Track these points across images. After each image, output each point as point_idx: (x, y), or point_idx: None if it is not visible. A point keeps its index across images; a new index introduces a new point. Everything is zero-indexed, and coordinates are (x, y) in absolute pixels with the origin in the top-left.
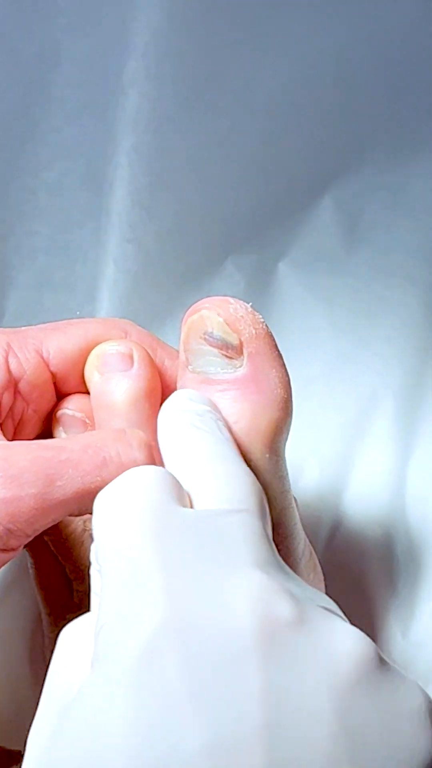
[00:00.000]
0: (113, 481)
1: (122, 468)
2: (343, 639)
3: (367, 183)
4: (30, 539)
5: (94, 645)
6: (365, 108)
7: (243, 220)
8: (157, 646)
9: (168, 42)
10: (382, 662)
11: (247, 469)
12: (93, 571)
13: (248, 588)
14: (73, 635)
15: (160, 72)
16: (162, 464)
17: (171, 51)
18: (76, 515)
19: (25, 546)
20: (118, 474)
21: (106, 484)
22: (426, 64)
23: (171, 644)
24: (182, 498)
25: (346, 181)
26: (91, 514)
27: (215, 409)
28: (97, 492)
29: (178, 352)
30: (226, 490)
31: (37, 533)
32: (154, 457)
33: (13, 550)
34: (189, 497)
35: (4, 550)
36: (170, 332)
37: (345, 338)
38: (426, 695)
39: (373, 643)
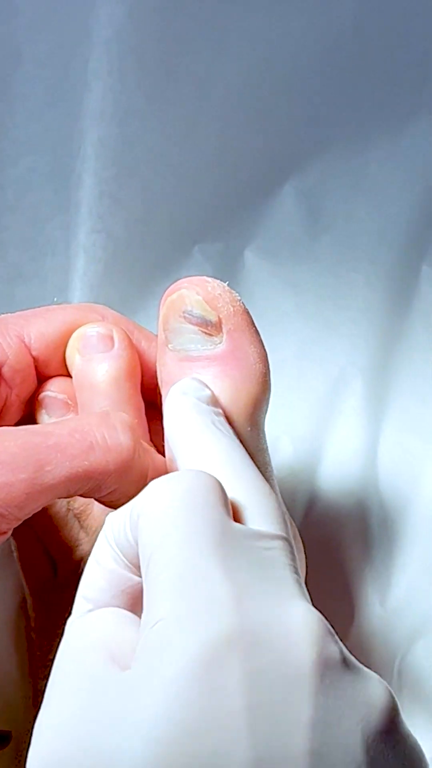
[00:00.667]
0: (170, 479)
1: (108, 452)
2: (376, 690)
3: (327, 171)
4: (20, 522)
5: (141, 639)
6: (323, 98)
7: (209, 209)
8: (222, 654)
9: (129, 37)
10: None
11: (264, 480)
12: (142, 567)
13: (309, 623)
14: (94, 625)
15: (123, 66)
16: (148, 442)
17: (133, 45)
18: (65, 498)
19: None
20: (105, 457)
21: (94, 467)
22: (383, 52)
23: (236, 656)
24: (229, 509)
25: (308, 170)
26: (78, 496)
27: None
28: (84, 475)
29: (153, 334)
30: (259, 510)
31: (29, 516)
32: (138, 439)
33: (3, 533)
34: None
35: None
36: (142, 319)
37: (312, 321)
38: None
39: (393, 695)
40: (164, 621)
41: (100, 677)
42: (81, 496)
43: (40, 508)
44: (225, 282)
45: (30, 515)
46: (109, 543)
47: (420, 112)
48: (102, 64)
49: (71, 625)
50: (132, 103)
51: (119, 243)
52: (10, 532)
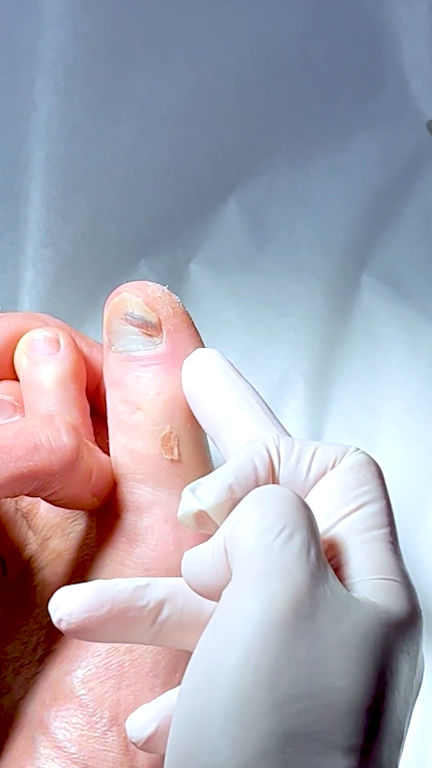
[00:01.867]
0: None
1: (53, 452)
2: None
3: (269, 185)
4: None
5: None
6: (265, 114)
7: (154, 223)
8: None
9: (74, 58)
10: None
11: None
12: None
13: None
14: None
15: (68, 86)
16: (93, 442)
17: (77, 66)
18: (11, 497)
19: None
20: (49, 458)
21: (39, 467)
22: (324, 68)
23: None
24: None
25: (250, 184)
26: (25, 495)
27: None
28: (29, 475)
29: (94, 341)
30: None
31: None
32: (82, 439)
33: None
34: None
35: None
36: (89, 330)
37: (255, 329)
38: None
39: None
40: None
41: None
42: (27, 495)
43: None
44: (165, 286)
45: None
46: None
47: (360, 127)
48: (48, 84)
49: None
50: (78, 122)
51: (67, 257)
52: None
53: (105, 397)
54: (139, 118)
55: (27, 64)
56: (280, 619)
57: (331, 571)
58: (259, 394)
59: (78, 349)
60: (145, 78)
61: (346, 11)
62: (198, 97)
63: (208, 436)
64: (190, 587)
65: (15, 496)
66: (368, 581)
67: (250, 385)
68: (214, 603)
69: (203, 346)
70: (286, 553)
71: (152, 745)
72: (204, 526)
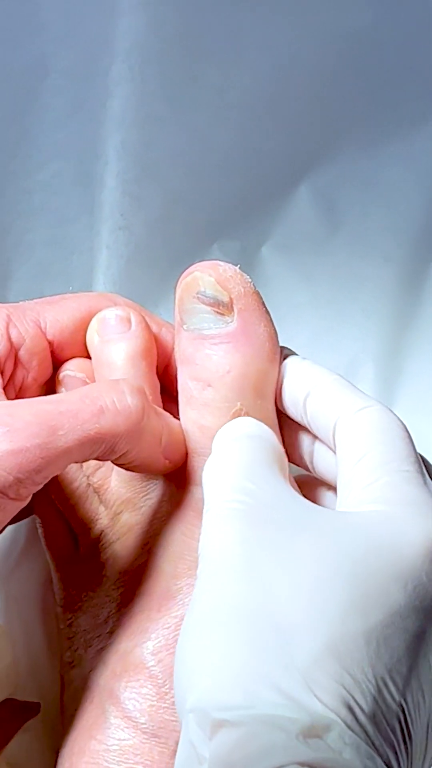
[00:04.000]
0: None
1: (118, 414)
2: None
3: (341, 171)
4: (39, 488)
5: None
6: (338, 100)
7: (227, 208)
8: None
9: (149, 44)
10: None
11: None
12: None
13: None
14: None
15: (144, 73)
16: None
17: (153, 53)
18: (79, 462)
19: (33, 507)
20: (115, 419)
21: (105, 430)
22: (396, 56)
23: None
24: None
25: (322, 169)
26: (94, 459)
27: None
28: (96, 438)
29: (163, 320)
30: None
31: (46, 481)
32: (148, 402)
33: (23, 498)
34: None
35: (16, 499)
36: (162, 312)
37: (325, 312)
38: None
39: None
40: None
41: None
42: (96, 459)
43: (57, 472)
44: (236, 265)
45: (47, 479)
46: None
47: None
48: (123, 71)
49: None
50: (152, 108)
51: (140, 240)
52: (29, 499)
53: (175, 375)
54: (213, 105)
55: (103, 51)
56: None
57: None
58: None
59: (148, 328)
60: (218, 65)
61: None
62: (271, 84)
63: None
64: None
65: (84, 461)
66: None
67: None
68: None
69: (273, 326)
70: None
71: None
72: None
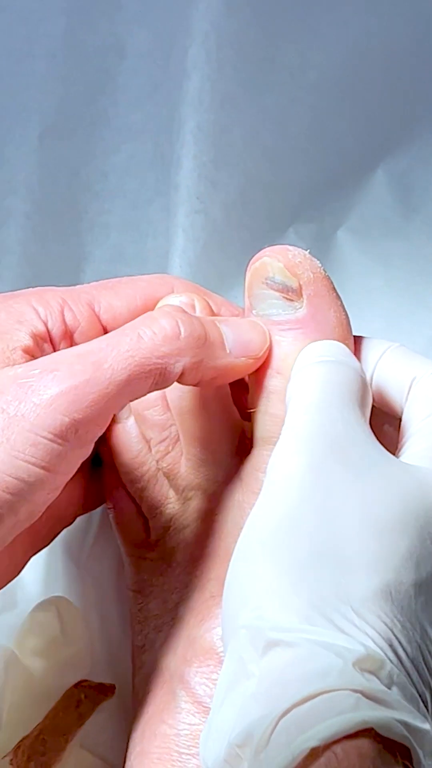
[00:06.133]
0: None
1: (155, 337)
2: None
3: (418, 154)
4: (99, 431)
5: None
6: (416, 82)
7: (303, 191)
8: None
9: (227, 27)
10: None
11: None
12: None
13: None
14: None
15: (221, 56)
16: (229, 404)
17: (230, 35)
18: (140, 396)
19: (104, 493)
20: (153, 343)
21: (148, 352)
22: None
23: None
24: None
25: (398, 153)
26: (156, 389)
27: None
28: (142, 362)
29: (222, 299)
30: None
31: (105, 421)
32: (186, 317)
33: (85, 444)
34: None
35: (78, 445)
36: (238, 294)
37: (401, 296)
38: None
39: None
40: None
41: None
42: (158, 388)
43: (115, 409)
44: (306, 250)
45: (106, 418)
46: None
47: None
48: (201, 54)
49: None
50: (229, 91)
51: (217, 224)
52: (91, 447)
53: None
54: (289, 87)
55: (181, 34)
56: None
57: None
58: None
59: (212, 314)
60: (294, 47)
61: None
62: (347, 66)
63: None
64: None
65: (143, 394)
66: None
67: None
68: None
69: (344, 311)
70: None
71: None
72: None
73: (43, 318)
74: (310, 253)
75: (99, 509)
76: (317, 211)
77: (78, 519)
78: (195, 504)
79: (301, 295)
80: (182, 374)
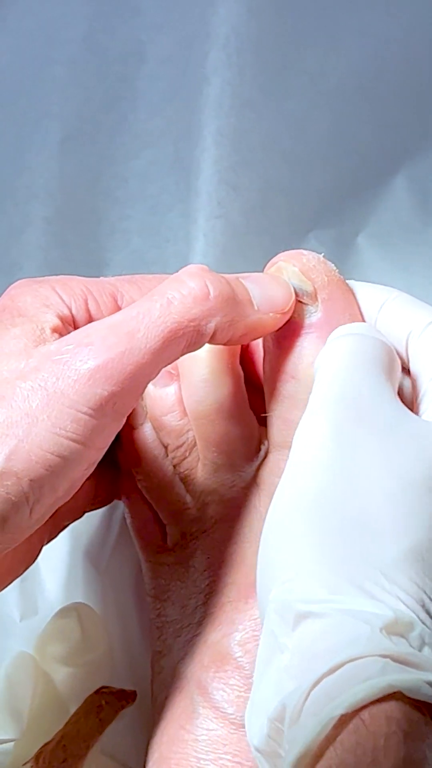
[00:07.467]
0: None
1: (185, 299)
2: None
3: None
4: (135, 403)
5: None
6: None
7: (323, 196)
8: None
9: (247, 32)
10: None
11: None
12: None
13: None
14: None
15: (241, 61)
16: (246, 410)
17: (250, 40)
18: (173, 361)
19: (121, 497)
20: (184, 305)
21: (179, 316)
22: None
23: None
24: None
25: (419, 159)
26: (189, 351)
27: None
28: (175, 327)
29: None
30: None
31: (140, 392)
32: (212, 277)
33: (122, 416)
34: None
35: (115, 419)
36: None
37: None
38: None
39: None
40: None
41: None
42: (191, 350)
43: (151, 377)
44: (320, 253)
45: (141, 390)
46: None
47: None
48: (221, 58)
49: None
50: (249, 96)
51: (237, 229)
52: (125, 417)
53: (260, 365)
54: (309, 92)
55: (201, 38)
56: None
57: None
58: None
59: None
60: (314, 53)
61: None
62: (367, 71)
63: None
64: None
65: (176, 357)
66: None
67: None
68: None
69: (360, 314)
70: None
71: None
72: None
73: (67, 303)
74: (325, 257)
75: (118, 516)
76: (337, 217)
77: (98, 525)
78: (212, 509)
79: (317, 299)
80: (214, 334)
